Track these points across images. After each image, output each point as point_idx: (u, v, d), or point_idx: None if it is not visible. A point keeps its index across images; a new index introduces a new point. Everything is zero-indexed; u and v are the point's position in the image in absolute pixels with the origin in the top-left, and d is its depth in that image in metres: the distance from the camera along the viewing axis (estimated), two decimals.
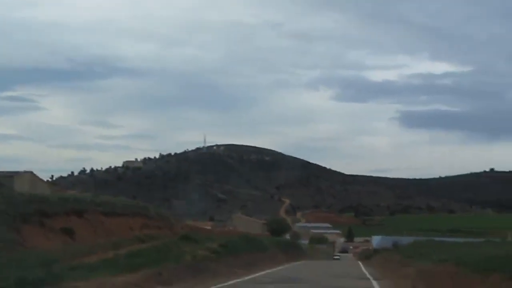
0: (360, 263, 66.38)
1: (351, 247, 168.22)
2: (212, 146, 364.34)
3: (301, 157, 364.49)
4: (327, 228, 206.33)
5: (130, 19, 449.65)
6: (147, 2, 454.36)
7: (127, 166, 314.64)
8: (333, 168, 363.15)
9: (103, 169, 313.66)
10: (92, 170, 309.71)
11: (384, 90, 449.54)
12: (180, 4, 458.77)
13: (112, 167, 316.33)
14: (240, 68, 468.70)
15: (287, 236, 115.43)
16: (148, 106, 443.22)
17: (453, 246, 37.18)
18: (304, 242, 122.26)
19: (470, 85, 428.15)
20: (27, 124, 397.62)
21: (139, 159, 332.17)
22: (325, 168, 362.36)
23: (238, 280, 26.18)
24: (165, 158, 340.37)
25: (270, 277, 30.11)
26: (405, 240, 78.05)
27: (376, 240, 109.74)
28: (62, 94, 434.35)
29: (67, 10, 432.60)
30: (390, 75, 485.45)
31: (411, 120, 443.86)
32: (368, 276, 36.86)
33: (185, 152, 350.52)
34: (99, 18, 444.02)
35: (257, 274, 31.10)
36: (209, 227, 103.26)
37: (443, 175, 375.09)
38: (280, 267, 41.78)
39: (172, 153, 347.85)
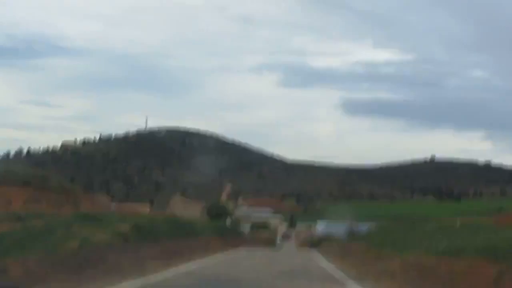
0: (311, 252, 58.96)
1: (293, 234, 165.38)
2: (154, 129, 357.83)
3: (244, 142, 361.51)
4: (269, 214, 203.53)
5: None
6: None
7: (65, 147, 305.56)
8: (276, 154, 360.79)
9: (41, 149, 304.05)
10: (28, 150, 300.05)
11: (327, 77, 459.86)
12: None
13: (50, 147, 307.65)
14: (183, 51, 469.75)
15: (228, 222, 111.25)
16: (90, 87, 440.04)
17: (427, 233, 30.04)
18: (246, 228, 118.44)
19: (411, 74, 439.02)
20: None
21: (78, 140, 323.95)
22: (267, 153, 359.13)
23: (139, 280, 18.25)
24: (105, 140, 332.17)
25: (193, 274, 21.88)
26: (361, 226, 73.50)
27: (321, 226, 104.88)
28: (1, 71, 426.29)
29: None
30: (334, 62, 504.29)
31: (353, 107, 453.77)
32: (338, 273, 26.77)
33: (126, 135, 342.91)
34: None
35: (175, 271, 22.93)
36: (147, 210, 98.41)
37: (385, 162, 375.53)
38: (211, 258, 34.15)
39: (113, 135, 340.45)
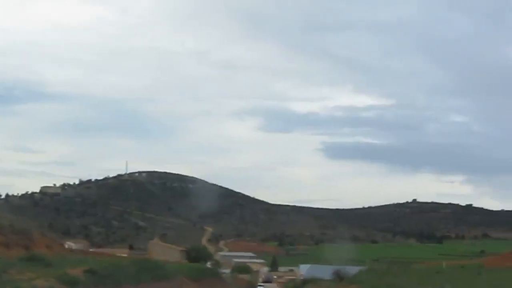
0: None
1: (275, 277, 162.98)
2: (134, 173, 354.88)
3: (225, 186, 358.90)
4: (251, 257, 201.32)
5: (53, 44, 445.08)
6: (70, 27, 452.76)
7: (45, 192, 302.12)
8: (257, 197, 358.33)
9: (19, 194, 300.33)
10: (7, 195, 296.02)
11: (308, 122, 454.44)
12: (104, 30, 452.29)
13: (29, 192, 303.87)
14: (164, 96, 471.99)
15: (208, 265, 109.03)
16: (71, 133, 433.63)
17: (421, 275, 28.36)
18: (226, 271, 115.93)
19: (392, 118, 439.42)
20: None
21: (57, 185, 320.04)
22: (248, 196, 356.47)
23: None
24: (85, 184, 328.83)
25: None
26: (348, 269, 71.61)
27: (304, 269, 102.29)
28: None
29: None
30: (314, 107, 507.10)
31: (335, 152, 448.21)
32: None
33: (106, 179, 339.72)
34: (21, 41, 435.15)
35: None
36: (125, 255, 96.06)
37: (366, 206, 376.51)
38: None
39: (93, 179, 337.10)
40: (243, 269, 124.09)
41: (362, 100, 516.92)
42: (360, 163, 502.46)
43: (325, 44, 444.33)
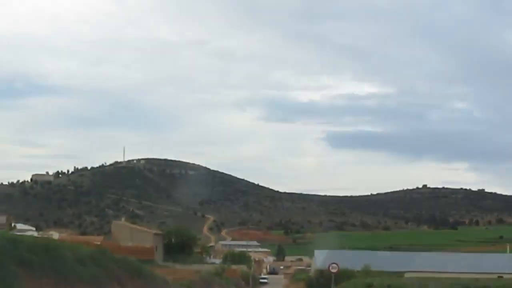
0: None
1: (281, 267, 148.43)
2: (132, 160, 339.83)
3: (228, 173, 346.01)
4: (255, 246, 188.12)
5: (51, 36, 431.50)
6: (67, 19, 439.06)
7: (36, 180, 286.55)
8: (261, 184, 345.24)
9: (8, 182, 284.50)
10: None
11: (310, 111, 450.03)
12: (102, 21, 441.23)
13: (20, 180, 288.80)
14: (164, 87, 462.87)
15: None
16: (71, 125, 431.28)
17: None
18: (217, 261, 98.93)
19: (393, 106, 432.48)
20: None
21: (50, 173, 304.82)
22: (252, 183, 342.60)
23: None
24: (79, 172, 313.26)
25: None
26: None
27: (320, 257, 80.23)
28: None
29: None
30: (315, 96, 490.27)
31: (337, 141, 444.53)
32: None
33: (101, 166, 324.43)
34: (20, 33, 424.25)
35: None
36: (98, 242, 78.74)
37: (375, 193, 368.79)
38: None
39: (89, 167, 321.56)
40: (238, 258, 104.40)
41: (363, 88, 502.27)
42: (363, 151, 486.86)
43: (324, 32, 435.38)
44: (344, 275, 46.64)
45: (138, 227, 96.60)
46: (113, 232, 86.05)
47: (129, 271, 24.52)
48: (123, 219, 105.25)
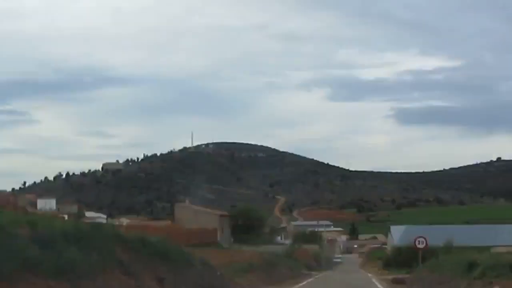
0: None
1: (355, 246, 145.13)
2: (201, 145, 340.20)
3: (296, 154, 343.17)
4: (327, 226, 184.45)
5: (115, 28, 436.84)
6: (130, 10, 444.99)
7: (106, 168, 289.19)
8: (331, 163, 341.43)
9: (80, 173, 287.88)
10: (67, 174, 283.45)
11: (376, 88, 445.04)
12: (164, 10, 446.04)
13: (91, 170, 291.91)
14: (229, 72, 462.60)
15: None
16: (141, 115, 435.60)
17: None
18: (286, 242, 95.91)
19: (462, 80, 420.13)
20: (24, 136, 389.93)
21: (120, 161, 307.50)
22: (322, 163, 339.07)
23: None
24: (149, 159, 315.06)
25: None
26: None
27: (398, 233, 75.09)
28: (54, 106, 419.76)
29: (51, 20, 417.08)
30: (382, 73, 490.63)
31: (406, 117, 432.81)
32: None
33: (170, 152, 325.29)
34: (84, 27, 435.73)
35: None
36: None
37: (447, 168, 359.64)
38: None
39: (158, 154, 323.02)
40: (309, 237, 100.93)
41: (430, 62, 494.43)
42: (432, 127, 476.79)
43: (386, 8, 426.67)
44: (426, 252, 41.91)
45: (203, 208, 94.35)
46: (176, 215, 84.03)
47: (150, 255, 20.95)
48: (187, 201, 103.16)
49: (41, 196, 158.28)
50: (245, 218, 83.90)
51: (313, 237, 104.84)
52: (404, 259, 54.61)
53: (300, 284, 40.55)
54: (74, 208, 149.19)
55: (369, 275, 55.42)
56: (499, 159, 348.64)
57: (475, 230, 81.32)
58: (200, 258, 27.04)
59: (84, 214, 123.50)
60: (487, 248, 50.77)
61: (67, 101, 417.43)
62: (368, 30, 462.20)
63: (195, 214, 77.83)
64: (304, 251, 74.29)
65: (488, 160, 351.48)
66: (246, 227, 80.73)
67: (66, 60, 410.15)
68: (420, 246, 40.53)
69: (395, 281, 40.66)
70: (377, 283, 41.90)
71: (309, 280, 46.73)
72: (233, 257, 40.62)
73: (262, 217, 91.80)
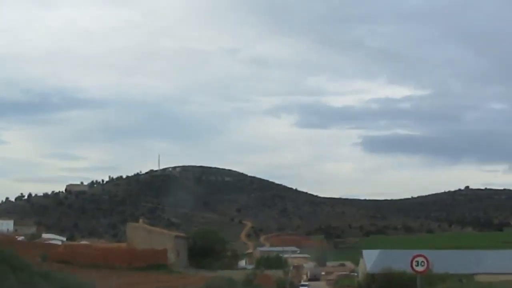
0: None
1: (323, 273, 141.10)
2: (168, 168, 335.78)
3: (265, 179, 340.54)
4: (294, 252, 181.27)
5: (83, 49, 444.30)
6: (100, 32, 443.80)
7: (70, 190, 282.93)
8: (299, 189, 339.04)
9: (42, 194, 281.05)
10: (29, 195, 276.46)
11: (344, 116, 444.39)
12: (134, 33, 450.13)
13: (55, 191, 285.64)
14: (198, 96, 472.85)
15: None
16: (108, 137, 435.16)
17: None
18: (249, 267, 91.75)
19: (429, 109, 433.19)
20: None
21: (85, 183, 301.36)
22: (291, 188, 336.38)
23: None
24: (114, 182, 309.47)
25: None
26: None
27: (370, 259, 69.31)
28: (21, 127, 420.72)
29: (21, 41, 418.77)
30: (350, 101, 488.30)
31: (373, 145, 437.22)
32: None
33: (137, 175, 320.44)
34: (53, 48, 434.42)
35: None
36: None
37: (415, 196, 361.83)
38: None
39: (124, 176, 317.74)
40: (273, 262, 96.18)
41: (398, 91, 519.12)
42: (400, 155, 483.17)
43: (355, 36, 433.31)
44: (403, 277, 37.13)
45: (157, 229, 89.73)
46: (128, 235, 79.10)
47: None
48: (141, 220, 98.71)
49: (0, 217, 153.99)
50: (203, 241, 79.10)
51: (278, 262, 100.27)
52: (377, 286, 50.23)
53: None
54: (33, 230, 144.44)
55: None
56: (467, 187, 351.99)
57: (455, 255, 77.19)
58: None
59: (40, 236, 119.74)
60: (471, 276, 47.30)
61: (34, 122, 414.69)
62: (337, 57, 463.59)
63: (148, 235, 73.11)
64: (267, 277, 69.82)
65: (456, 189, 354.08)
66: (204, 250, 76.06)
67: (34, 81, 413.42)
68: (420, 268, 25.58)
69: None
70: None
71: None
72: (181, 280, 36.33)
73: (223, 240, 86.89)
